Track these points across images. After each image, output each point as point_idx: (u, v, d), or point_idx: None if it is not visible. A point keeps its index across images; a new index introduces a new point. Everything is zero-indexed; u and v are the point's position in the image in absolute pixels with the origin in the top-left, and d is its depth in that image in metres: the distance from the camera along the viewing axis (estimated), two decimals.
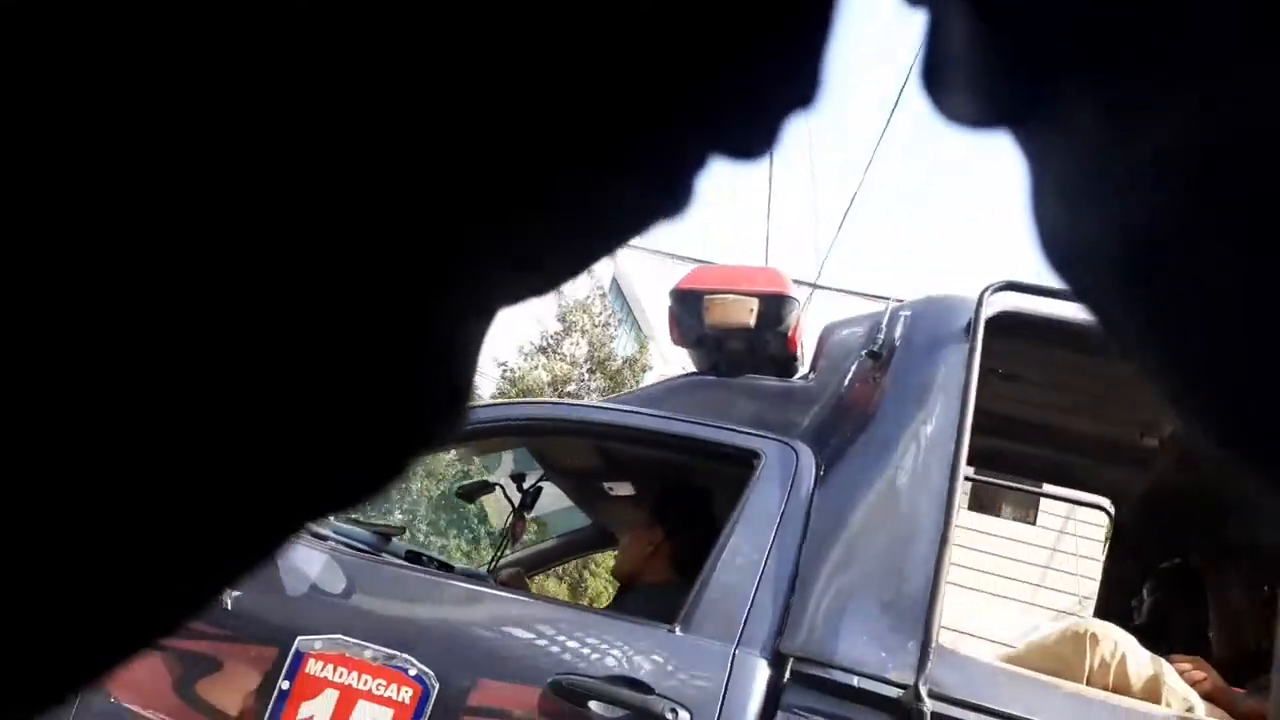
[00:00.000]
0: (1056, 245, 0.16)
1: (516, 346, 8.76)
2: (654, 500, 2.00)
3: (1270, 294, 0.13)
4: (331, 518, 1.60)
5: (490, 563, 2.66)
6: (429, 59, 0.14)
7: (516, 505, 2.41)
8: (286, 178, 0.13)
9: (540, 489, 2.44)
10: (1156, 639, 2.12)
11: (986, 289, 1.72)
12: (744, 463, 1.74)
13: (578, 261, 0.18)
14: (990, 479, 2.86)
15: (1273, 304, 0.13)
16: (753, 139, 0.17)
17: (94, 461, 0.14)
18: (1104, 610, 2.80)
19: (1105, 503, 2.86)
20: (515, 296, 0.18)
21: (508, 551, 2.64)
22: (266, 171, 0.13)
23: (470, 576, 2.09)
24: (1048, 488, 2.91)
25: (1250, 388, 0.13)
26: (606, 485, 2.45)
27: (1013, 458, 2.74)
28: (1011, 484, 2.91)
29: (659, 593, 1.71)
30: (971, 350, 1.65)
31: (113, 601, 0.15)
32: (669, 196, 0.17)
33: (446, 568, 2.14)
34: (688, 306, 1.99)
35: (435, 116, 0.14)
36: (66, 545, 0.14)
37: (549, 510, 3.01)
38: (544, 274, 0.18)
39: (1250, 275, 0.13)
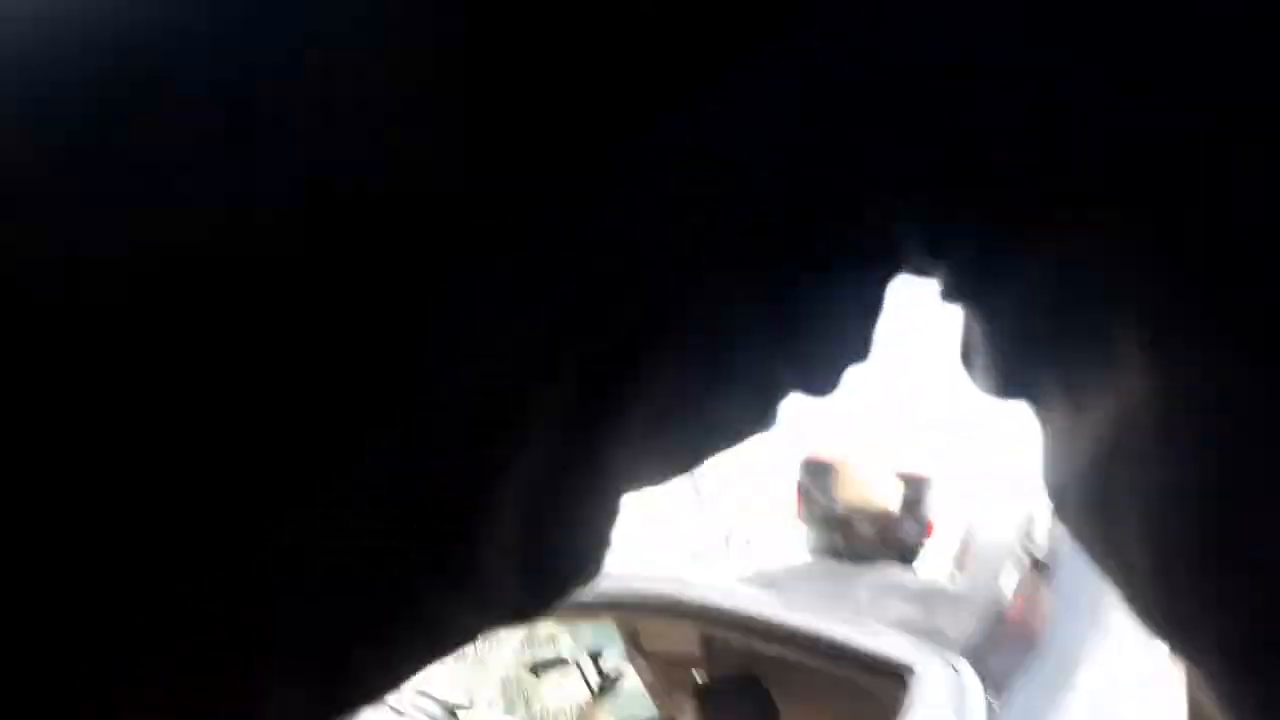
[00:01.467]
0: (1056, 495, 0.22)
1: None
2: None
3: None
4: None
5: None
6: None
7: (595, 688, 2.19)
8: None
9: (622, 673, 2.22)
10: None
11: None
12: (892, 676, 1.55)
13: (682, 466, 0.23)
14: None
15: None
16: (824, 384, 0.23)
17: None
18: None
19: None
20: (632, 488, 0.22)
21: None
22: None
23: None
24: None
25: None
26: (696, 673, 2.24)
27: None
28: None
29: None
30: None
31: None
32: (760, 420, 0.23)
33: None
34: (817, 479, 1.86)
35: None
36: None
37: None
38: (657, 472, 0.23)
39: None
